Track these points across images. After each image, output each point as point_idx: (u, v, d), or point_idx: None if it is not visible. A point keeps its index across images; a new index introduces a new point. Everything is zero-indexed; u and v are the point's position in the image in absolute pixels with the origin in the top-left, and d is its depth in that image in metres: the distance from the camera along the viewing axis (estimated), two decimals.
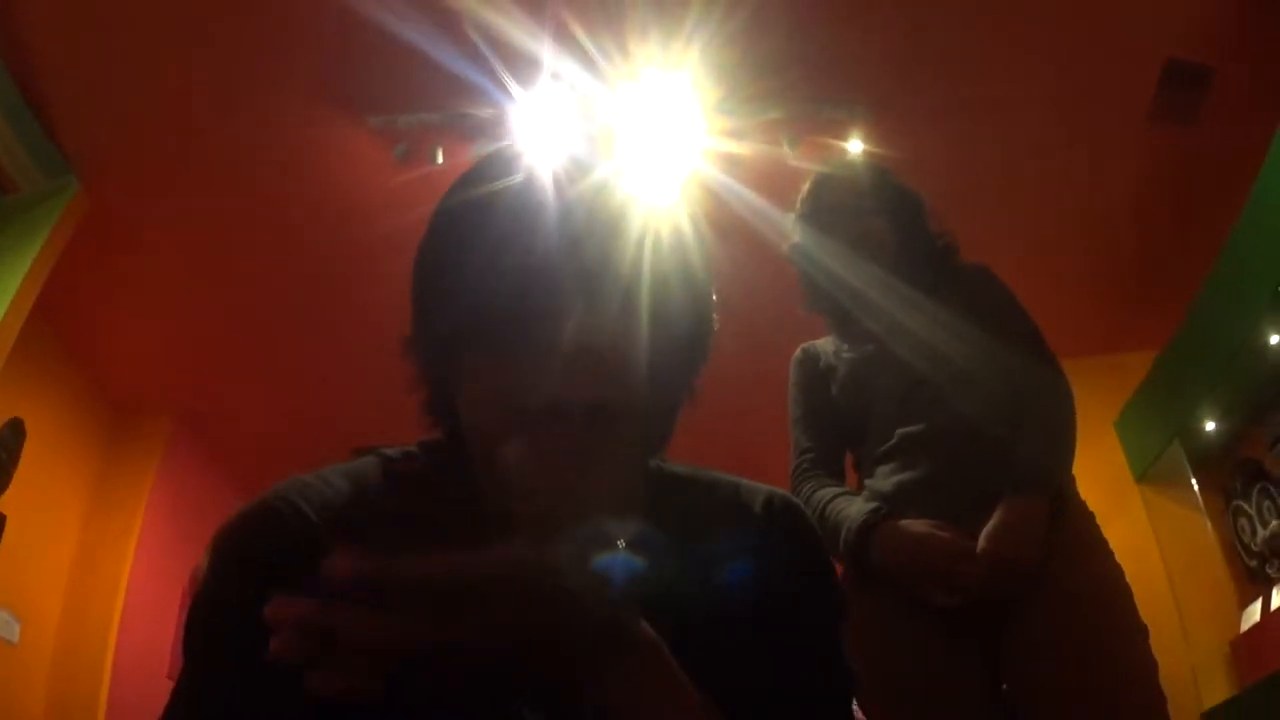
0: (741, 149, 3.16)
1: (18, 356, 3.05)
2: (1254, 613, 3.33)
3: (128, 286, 3.64)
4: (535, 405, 0.65)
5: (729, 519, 0.81)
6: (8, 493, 3.42)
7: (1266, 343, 3.14)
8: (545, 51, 2.80)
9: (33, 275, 3.05)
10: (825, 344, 2.04)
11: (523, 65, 2.87)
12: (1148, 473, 3.88)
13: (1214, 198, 3.39)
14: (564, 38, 2.79)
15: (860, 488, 1.88)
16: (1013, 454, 1.68)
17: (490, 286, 0.66)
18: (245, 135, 3.15)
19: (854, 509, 1.74)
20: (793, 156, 3.12)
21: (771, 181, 2.97)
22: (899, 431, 1.80)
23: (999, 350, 1.79)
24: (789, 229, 2.08)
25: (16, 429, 3.51)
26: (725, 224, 3.06)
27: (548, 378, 0.64)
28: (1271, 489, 3.36)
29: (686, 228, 0.75)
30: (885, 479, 1.79)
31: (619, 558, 0.70)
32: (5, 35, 2.78)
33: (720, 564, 0.77)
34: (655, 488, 0.80)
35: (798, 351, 2.06)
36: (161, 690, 3.67)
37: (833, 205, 2.00)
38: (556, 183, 0.69)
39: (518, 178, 0.70)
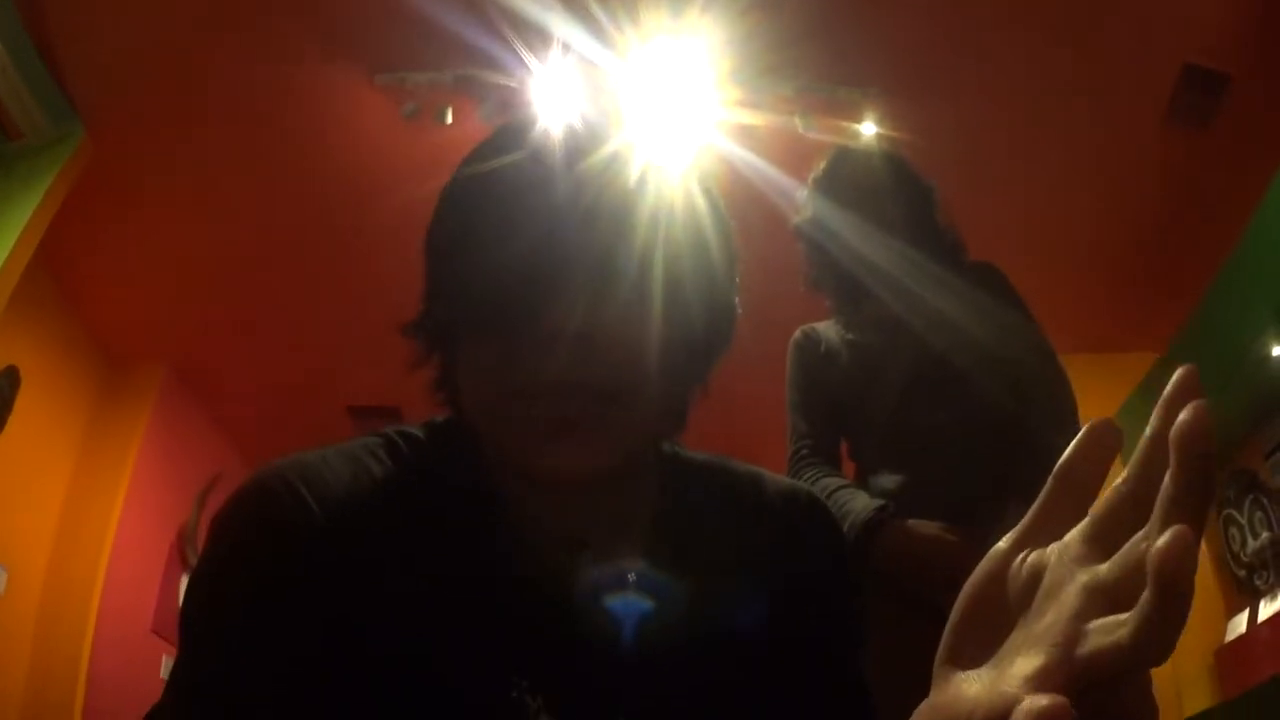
0: (755, 119, 3.12)
1: (14, 302, 3.03)
2: (1240, 623, 3.34)
3: (128, 236, 3.62)
4: (539, 386, 0.64)
5: (748, 512, 0.79)
6: None
7: (1268, 354, 3.13)
8: (556, 18, 2.76)
9: (35, 221, 3.02)
10: (826, 327, 1.97)
11: (533, 33, 2.83)
12: None
13: (1224, 203, 3.38)
14: (574, 3, 2.75)
15: (857, 477, 1.86)
16: (1020, 454, 1.65)
17: (502, 266, 0.64)
18: (252, 91, 3.12)
19: (859, 503, 1.70)
20: (805, 128, 3.09)
21: (785, 153, 2.94)
22: (900, 427, 1.78)
23: (1003, 348, 1.76)
24: (800, 203, 2.03)
25: (12, 377, 3.48)
26: (738, 195, 3.04)
27: (554, 359, 0.63)
28: (1265, 500, 3.36)
29: (703, 204, 0.73)
30: (886, 476, 1.76)
31: (630, 598, 0.70)
32: None
33: (737, 559, 0.75)
34: (671, 475, 0.78)
35: (797, 333, 1.99)
36: (145, 641, 3.66)
37: (851, 182, 1.94)
38: (568, 156, 0.67)
39: (527, 154, 0.68)
